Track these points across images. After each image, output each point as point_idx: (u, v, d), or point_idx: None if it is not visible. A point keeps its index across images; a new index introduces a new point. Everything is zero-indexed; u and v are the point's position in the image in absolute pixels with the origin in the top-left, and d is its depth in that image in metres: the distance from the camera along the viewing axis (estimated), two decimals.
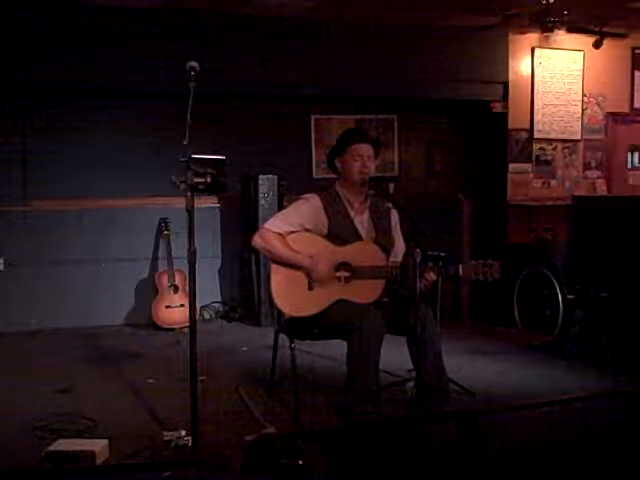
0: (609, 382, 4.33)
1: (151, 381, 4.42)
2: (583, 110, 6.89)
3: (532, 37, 6.61)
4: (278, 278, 3.71)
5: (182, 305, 5.93)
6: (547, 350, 5.10)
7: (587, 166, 7.01)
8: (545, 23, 6.12)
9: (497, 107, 6.64)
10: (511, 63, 6.60)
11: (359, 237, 3.77)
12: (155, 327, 6.00)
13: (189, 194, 3.20)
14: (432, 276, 3.62)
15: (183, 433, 3.31)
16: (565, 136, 6.86)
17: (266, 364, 4.13)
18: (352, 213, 3.81)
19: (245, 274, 6.36)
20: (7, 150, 5.89)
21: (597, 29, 6.58)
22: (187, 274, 3.35)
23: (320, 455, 2.33)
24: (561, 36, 6.55)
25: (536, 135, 6.74)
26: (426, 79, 6.35)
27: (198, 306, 6.15)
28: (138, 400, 4.03)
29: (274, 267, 3.72)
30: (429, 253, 3.77)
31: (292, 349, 3.77)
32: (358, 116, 6.85)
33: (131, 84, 5.65)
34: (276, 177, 6.18)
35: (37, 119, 5.91)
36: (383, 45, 6.10)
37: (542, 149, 6.80)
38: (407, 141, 6.93)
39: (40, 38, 5.33)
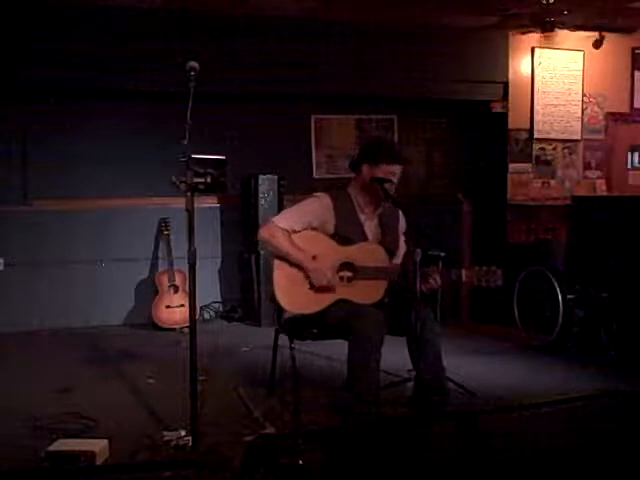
0: (609, 382, 4.33)
1: (151, 381, 4.42)
2: (583, 110, 6.89)
3: (532, 37, 6.61)
4: (281, 273, 3.71)
5: (182, 305, 5.93)
6: (547, 350, 5.10)
7: (587, 166, 7.01)
8: (545, 23, 6.12)
9: (497, 107, 6.65)
10: (511, 63, 6.61)
11: (365, 239, 3.77)
12: (155, 327, 6.00)
13: (189, 194, 3.19)
14: (437, 280, 3.61)
15: (183, 433, 3.31)
16: (565, 136, 6.86)
17: (266, 364, 4.13)
18: (362, 217, 3.80)
19: (245, 274, 6.36)
20: (7, 150, 5.89)
21: (597, 29, 6.58)
22: (187, 274, 3.35)
23: (320, 455, 2.33)
24: (561, 36, 6.56)
25: (536, 135, 6.74)
26: (426, 79, 6.35)
27: (198, 306, 6.15)
28: (138, 400, 4.03)
29: (277, 262, 3.72)
30: (429, 253, 3.77)
31: (292, 349, 3.77)
32: (358, 116, 6.86)
33: (131, 84, 5.65)
34: (276, 177, 6.18)
35: (37, 119, 5.91)
36: (383, 45, 6.10)
37: (542, 149, 6.80)
38: (407, 141, 6.92)
39: (40, 38, 5.33)
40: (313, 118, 6.73)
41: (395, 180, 3.72)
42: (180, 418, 3.41)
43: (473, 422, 2.60)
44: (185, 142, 3.15)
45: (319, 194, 3.82)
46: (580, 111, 6.87)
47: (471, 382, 4.16)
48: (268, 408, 3.80)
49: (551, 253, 5.65)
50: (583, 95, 6.87)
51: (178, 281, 6.07)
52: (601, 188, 7.04)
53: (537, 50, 6.68)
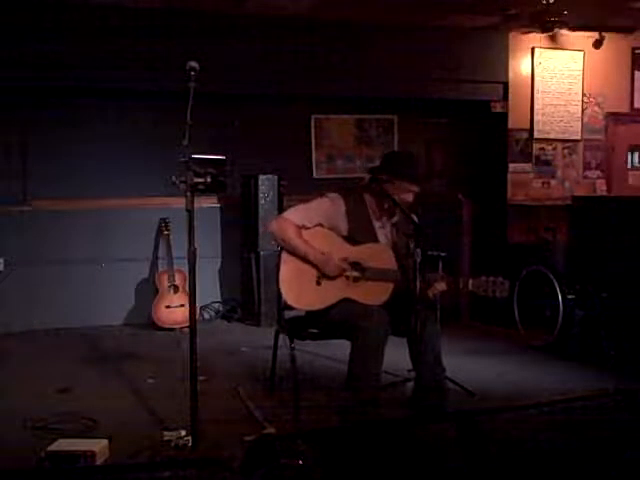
0: (609, 382, 4.33)
1: (151, 381, 4.42)
2: (583, 110, 6.89)
3: (532, 37, 6.61)
4: (287, 268, 3.70)
5: (182, 305, 5.93)
6: (547, 350, 5.10)
7: (587, 166, 7.01)
8: (545, 23, 6.11)
9: (497, 107, 6.65)
10: (511, 63, 6.61)
11: (377, 242, 3.77)
12: (155, 327, 6.00)
13: (189, 194, 3.19)
14: (442, 286, 3.62)
15: (183, 433, 3.31)
16: (565, 136, 6.86)
17: (266, 364, 4.13)
18: (376, 223, 3.80)
19: (245, 274, 6.36)
20: (7, 150, 5.89)
21: (597, 29, 6.58)
22: (187, 274, 3.35)
23: (320, 455, 2.33)
24: (561, 36, 6.56)
25: (536, 135, 6.74)
26: (426, 79, 6.35)
27: (198, 306, 6.15)
28: (138, 400, 4.03)
29: (284, 256, 3.71)
30: (429, 253, 3.77)
31: (292, 349, 3.77)
32: (358, 116, 6.86)
33: (131, 84, 5.66)
34: (276, 177, 6.18)
35: (37, 119, 5.91)
36: (383, 45, 6.10)
37: (542, 149, 6.80)
38: (407, 141, 6.93)
39: (40, 38, 5.33)
40: (313, 118, 6.73)
41: (410, 199, 3.70)
42: (180, 418, 3.41)
43: (473, 422, 2.60)
44: (185, 142, 3.15)
45: (333, 195, 3.80)
46: (580, 111, 6.87)
47: (471, 382, 4.16)
48: (268, 408, 3.80)
49: (551, 253, 5.65)
50: (583, 95, 6.87)
51: (178, 281, 6.07)
52: (601, 188, 7.04)
53: (537, 50, 6.68)
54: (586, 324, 4.99)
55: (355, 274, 3.68)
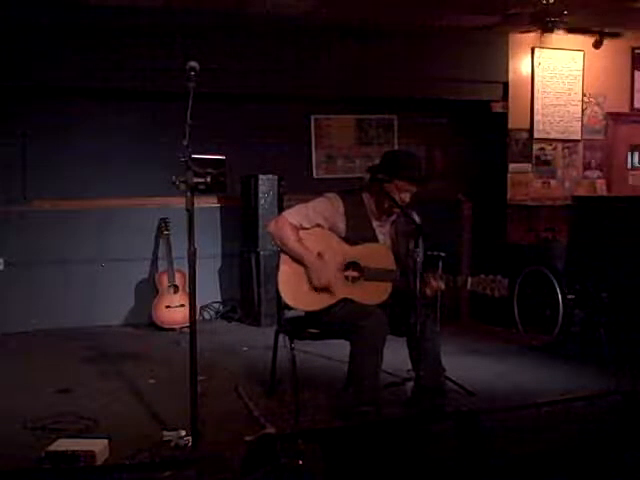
0: (609, 382, 4.32)
1: (151, 381, 4.42)
2: (583, 110, 6.89)
3: (532, 37, 6.61)
4: (286, 268, 3.71)
5: (182, 305, 5.93)
6: (547, 350, 5.10)
7: (587, 166, 7.01)
8: (545, 23, 6.12)
9: (497, 107, 6.65)
10: (511, 63, 6.61)
11: (376, 242, 3.77)
12: (155, 327, 6.00)
13: (189, 194, 3.20)
14: (440, 284, 3.61)
15: (183, 433, 3.31)
16: (565, 136, 6.86)
17: (266, 364, 4.13)
18: (375, 223, 3.80)
19: (245, 274, 6.36)
20: (7, 150, 5.89)
21: (597, 29, 6.58)
22: (187, 274, 3.35)
23: (320, 455, 2.33)
24: (561, 36, 6.56)
25: (536, 135, 6.74)
26: (426, 79, 6.35)
27: (198, 306, 6.15)
28: (138, 400, 4.03)
29: (284, 257, 3.72)
30: (429, 253, 3.77)
31: (292, 349, 3.77)
32: (358, 116, 6.86)
33: (131, 84, 5.65)
34: (276, 177, 6.18)
35: (37, 119, 5.91)
36: (383, 45, 6.10)
37: (542, 149, 6.80)
38: (407, 141, 6.92)
39: (40, 38, 5.33)
40: (313, 118, 6.73)
41: (407, 199, 3.69)
42: (180, 418, 3.41)
43: (473, 422, 2.60)
44: (185, 142, 3.15)
45: (331, 195, 3.80)
46: (580, 111, 6.87)
47: (471, 382, 4.16)
48: (268, 408, 3.81)
49: (551, 253, 5.65)
50: (583, 95, 6.87)
51: (178, 281, 6.07)
52: (601, 188, 7.04)
53: (537, 50, 6.68)
54: (586, 324, 4.99)
55: (354, 274, 3.68)
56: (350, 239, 3.72)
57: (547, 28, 6.24)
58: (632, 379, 4.39)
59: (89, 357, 5.11)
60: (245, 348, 5.32)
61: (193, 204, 3.22)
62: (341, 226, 3.73)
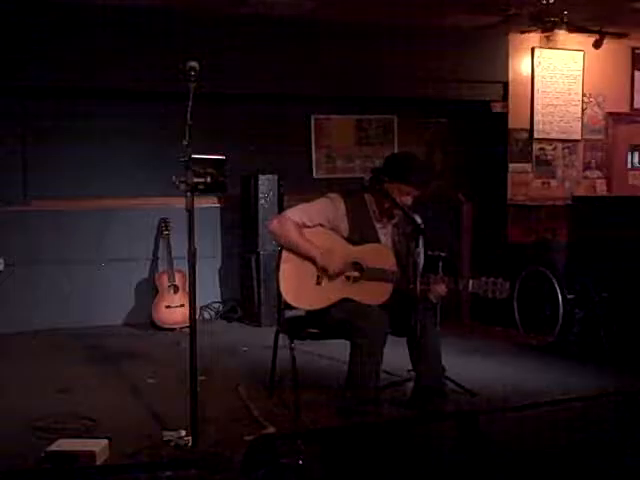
0: (609, 382, 4.33)
1: (151, 381, 4.42)
2: (583, 110, 6.90)
3: (532, 37, 6.61)
4: (287, 267, 3.71)
5: (182, 305, 5.93)
6: (547, 350, 5.10)
7: (587, 166, 7.01)
8: (545, 23, 6.12)
9: (497, 107, 6.65)
10: (511, 63, 6.61)
11: (378, 242, 3.78)
12: (155, 327, 6.00)
13: (189, 194, 3.20)
14: (442, 288, 3.61)
15: (183, 433, 3.31)
16: (565, 136, 6.86)
17: (266, 364, 4.13)
18: (377, 224, 3.80)
19: (245, 274, 6.36)
20: (7, 150, 5.89)
21: (597, 29, 6.58)
22: (187, 274, 3.35)
23: (320, 455, 2.33)
24: (561, 36, 6.56)
25: (536, 135, 6.75)
26: (426, 79, 6.36)
27: (198, 306, 6.15)
28: (138, 400, 4.03)
29: (285, 255, 3.71)
30: (429, 253, 3.77)
31: (292, 349, 3.77)
32: (358, 116, 6.86)
33: (131, 84, 5.65)
34: (276, 177, 6.18)
35: (37, 119, 5.91)
36: (383, 45, 6.10)
37: (542, 149, 6.80)
38: (407, 141, 6.93)
39: (40, 38, 5.33)
40: (313, 118, 6.73)
41: (409, 202, 3.69)
42: (180, 418, 3.41)
43: (473, 422, 2.60)
44: (185, 142, 3.15)
45: (333, 195, 3.80)
46: (580, 111, 6.88)
47: (471, 382, 4.15)
48: (268, 408, 3.80)
49: (551, 253, 5.65)
50: (583, 95, 6.88)
51: (178, 281, 6.07)
52: (601, 188, 7.05)
53: (537, 50, 6.68)
54: (586, 324, 4.99)
55: (355, 274, 3.68)
56: (352, 239, 3.72)
57: (547, 28, 6.24)
58: (632, 379, 4.40)
59: (89, 357, 5.10)
60: (245, 348, 5.32)
61: (193, 204, 3.22)
62: (343, 226, 3.73)
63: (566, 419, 2.91)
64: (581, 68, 6.83)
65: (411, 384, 3.86)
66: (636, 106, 7.10)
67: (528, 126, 6.72)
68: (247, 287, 6.32)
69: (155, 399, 4.00)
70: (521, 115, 6.69)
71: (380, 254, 3.71)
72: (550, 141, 6.82)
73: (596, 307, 4.95)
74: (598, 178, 7.06)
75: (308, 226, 3.71)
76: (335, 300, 3.65)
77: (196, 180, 3.21)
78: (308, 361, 4.65)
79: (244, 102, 6.26)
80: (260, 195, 6.11)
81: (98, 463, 3.02)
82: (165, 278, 6.09)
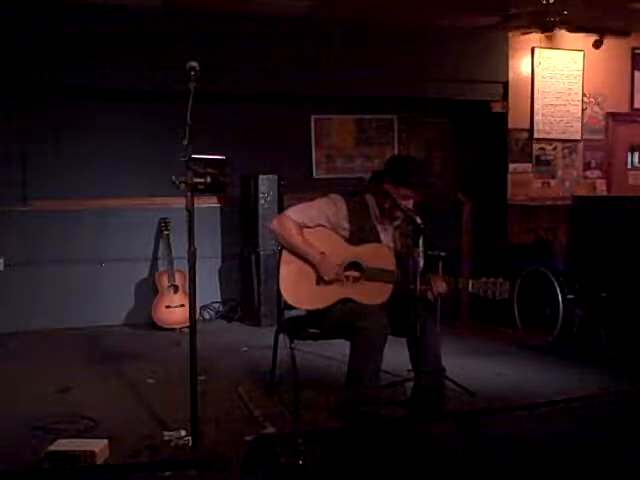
0: (609, 382, 4.33)
1: (151, 381, 4.42)
2: (583, 110, 6.89)
3: (532, 37, 6.61)
4: (288, 268, 3.71)
5: (182, 305, 5.93)
6: (547, 350, 5.10)
7: (587, 166, 7.01)
8: (545, 23, 6.12)
9: (497, 107, 6.65)
10: (511, 63, 6.61)
11: (379, 242, 3.77)
12: (155, 327, 6.00)
13: (189, 194, 3.20)
14: (443, 287, 3.62)
15: (183, 433, 3.32)
16: (565, 136, 6.86)
17: (266, 364, 4.13)
18: (378, 226, 3.80)
19: (245, 274, 6.36)
20: (7, 150, 5.89)
21: (597, 29, 6.58)
22: (187, 274, 3.36)
23: (320, 455, 2.33)
24: (561, 36, 6.56)
25: (536, 135, 6.74)
26: (426, 79, 6.35)
27: (198, 306, 6.15)
28: (138, 400, 4.03)
29: (285, 256, 3.72)
30: (429, 253, 3.77)
31: (292, 349, 3.77)
32: (358, 116, 6.86)
33: (131, 84, 5.65)
34: (276, 177, 6.18)
35: (37, 119, 5.92)
36: (383, 45, 6.10)
37: (542, 149, 6.80)
38: (407, 141, 6.93)
39: (40, 38, 5.33)
40: (313, 118, 6.73)
41: (410, 206, 3.69)
42: (180, 418, 3.41)
43: (473, 422, 2.60)
44: (185, 142, 3.15)
45: (335, 197, 3.80)
46: (580, 111, 6.87)
47: (471, 382, 4.16)
48: (268, 408, 3.81)
49: (551, 253, 5.65)
50: (583, 95, 6.87)
51: (178, 281, 6.07)
52: (601, 188, 7.04)
53: (537, 50, 6.68)
54: (586, 324, 4.99)
55: (355, 274, 3.68)
56: (353, 240, 3.72)
57: (547, 28, 6.24)
58: (632, 379, 4.39)
59: (89, 357, 5.11)
60: (245, 348, 5.32)
61: (193, 204, 3.22)
62: (344, 227, 3.73)
63: (566, 419, 2.91)
64: (581, 68, 6.82)
65: (411, 384, 3.86)
66: (636, 106, 7.10)
67: (528, 126, 6.72)
68: (247, 287, 6.32)
69: (155, 399, 4.01)
70: (521, 115, 6.69)
71: (380, 254, 3.71)
72: (550, 141, 6.82)
73: (596, 307, 4.95)
74: (598, 178, 7.05)
75: (309, 226, 3.71)
76: (335, 300, 3.65)
77: (196, 180, 3.21)
78: (308, 361, 4.65)
79: (244, 102, 6.26)
80: (260, 195, 6.11)
81: (98, 463, 3.02)
82: (165, 278, 6.09)
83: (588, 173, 7.02)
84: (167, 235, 6.20)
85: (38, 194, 6.00)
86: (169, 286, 6.07)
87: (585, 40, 6.74)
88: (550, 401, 2.88)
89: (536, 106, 6.72)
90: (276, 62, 5.87)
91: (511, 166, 6.69)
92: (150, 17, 5.55)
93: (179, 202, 3.54)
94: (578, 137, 6.90)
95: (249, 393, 4.09)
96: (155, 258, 6.39)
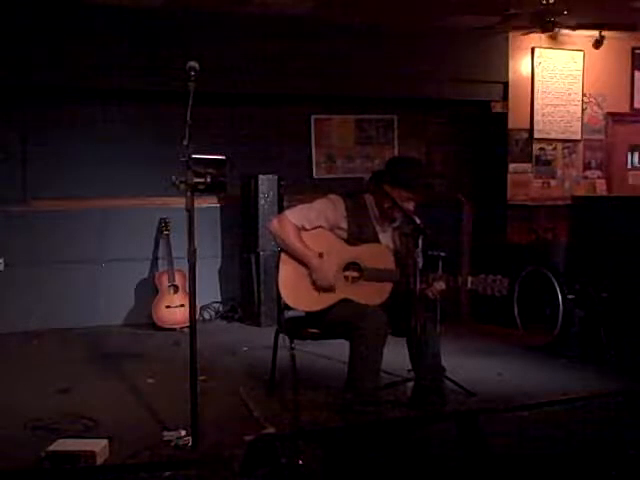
0: (609, 382, 4.33)
1: (151, 381, 4.42)
2: (583, 110, 6.89)
3: (532, 37, 6.60)
4: (287, 268, 3.72)
5: (182, 305, 5.93)
6: (547, 350, 5.10)
7: (587, 166, 7.01)
8: (545, 23, 6.12)
9: (497, 107, 6.65)
10: (511, 63, 6.61)
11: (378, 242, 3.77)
12: (155, 327, 6.00)
13: (189, 194, 3.20)
14: (441, 285, 3.62)
15: (183, 433, 3.31)
16: (565, 136, 6.86)
17: (266, 364, 4.13)
18: (377, 227, 3.80)
19: (245, 274, 6.36)
20: (7, 150, 5.88)
21: (597, 29, 6.58)
22: (187, 274, 3.36)
23: (320, 455, 2.33)
24: (561, 36, 6.56)
25: (536, 135, 6.74)
26: (426, 79, 6.35)
27: (198, 306, 6.15)
28: (138, 400, 4.03)
29: (284, 257, 3.73)
30: (429, 253, 3.78)
31: (292, 349, 3.77)
32: (358, 116, 6.86)
33: (131, 84, 5.65)
34: (276, 177, 6.18)
35: (37, 119, 5.91)
36: (383, 45, 6.10)
37: (542, 149, 6.80)
38: (407, 141, 6.93)
39: (40, 38, 5.33)
40: (313, 118, 6.73)
41: (411, 207, 3.68)
42: (180, 418, 3.41)
43: (473, 422, 2.60)
44: (185, 142, 3.15)
45: (333, 197, 3.80)
46: (580, 111, 6.87)
47: (471, 382, 4.16)
48: (268, 408, 3.81)
49: (551, 253, 5.65)
50: (583, 95, 6.87)
51: (178, 281, 6.07)
52: (601, 188, 7.04)
53: (537, 50, 6.68)
54: (586, 324, 4.99)
55: (354, 274, 3.68)
56: (352, 240, 3.72)
57: (547, 28, 6.24)
58: (632, 379, 4.40)
59: (89, 357, 5.11)
60: (245, 348, 5.32)
61: (193, 204, 3.22)
62: (343, 227, 3.73)
63: (566, 419, 2.91)
64: (581, 68, 6.82)
65: (411, 384, 3.86)
66: (636, 106, 7.09)
67: (528, 126, 6.71)
68: (247, 287, 6.32)
69: (155, 399, 4.00)
70: (521, 115, 6.69)
71: (379, 254, 3.71)
72: (550, 141, 6.82)
73: (596, 307, 4.95)
74: (598, 178, 7.05)
75: (307, 229, 3.72)
76: (334, 301, 3.65)
77: (196, 180, 3.21)
78: (308, 361, 4.65)
79: (244, 102, 6.26)
80: (260, 195, 6.11)
81: (98, 463, 3.02)
82: (165, 278, 6.09)
83: (588, 173, 7.02)
84: (167, 235, 6.19)
85: (38, 194, 5.99)
86: (169, 286, 6.07)
87: (585, 40, 6.74)
88: (550, 401, 2.88)
89: (536, 106, 6.72)
90: (276, 62, 5.86)
91: (511, 166, 6.69)
92: (150, 17, 5.54)
93: (179, 202, 3.53)
94: (578, 137, 6.90)
95: (249, 393, 4.09)
96: (155, 258, 6.38)
